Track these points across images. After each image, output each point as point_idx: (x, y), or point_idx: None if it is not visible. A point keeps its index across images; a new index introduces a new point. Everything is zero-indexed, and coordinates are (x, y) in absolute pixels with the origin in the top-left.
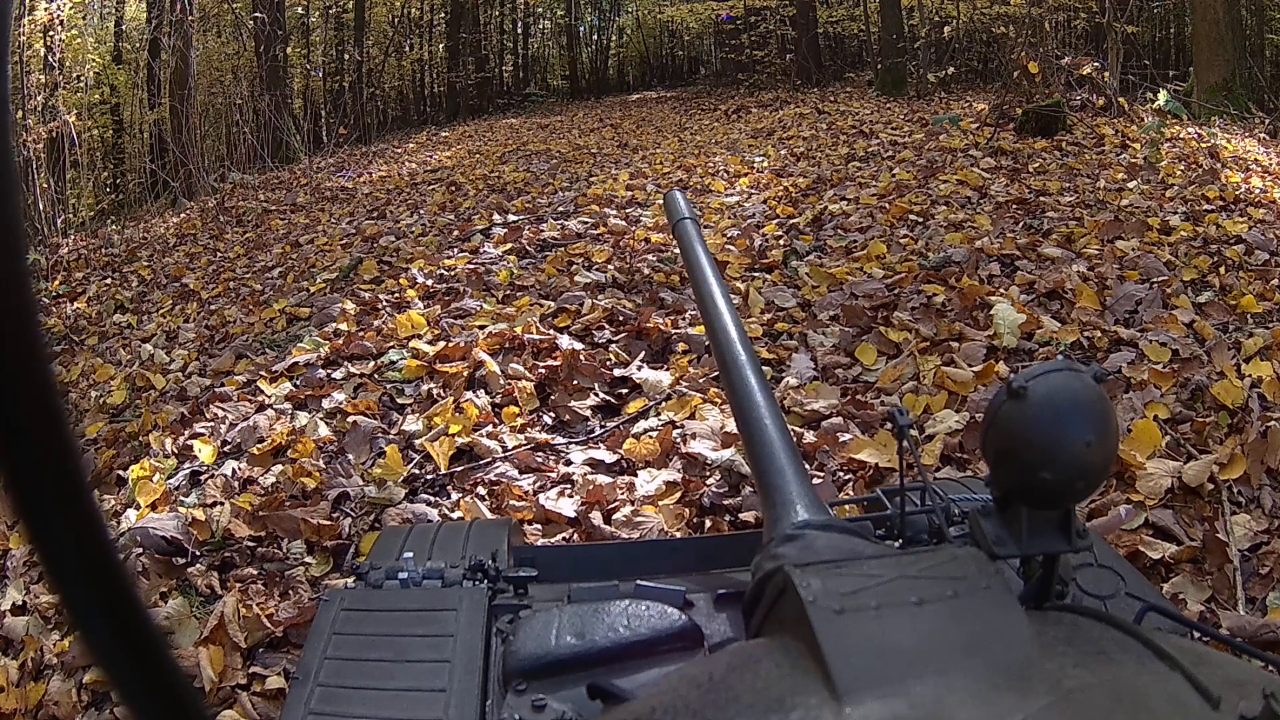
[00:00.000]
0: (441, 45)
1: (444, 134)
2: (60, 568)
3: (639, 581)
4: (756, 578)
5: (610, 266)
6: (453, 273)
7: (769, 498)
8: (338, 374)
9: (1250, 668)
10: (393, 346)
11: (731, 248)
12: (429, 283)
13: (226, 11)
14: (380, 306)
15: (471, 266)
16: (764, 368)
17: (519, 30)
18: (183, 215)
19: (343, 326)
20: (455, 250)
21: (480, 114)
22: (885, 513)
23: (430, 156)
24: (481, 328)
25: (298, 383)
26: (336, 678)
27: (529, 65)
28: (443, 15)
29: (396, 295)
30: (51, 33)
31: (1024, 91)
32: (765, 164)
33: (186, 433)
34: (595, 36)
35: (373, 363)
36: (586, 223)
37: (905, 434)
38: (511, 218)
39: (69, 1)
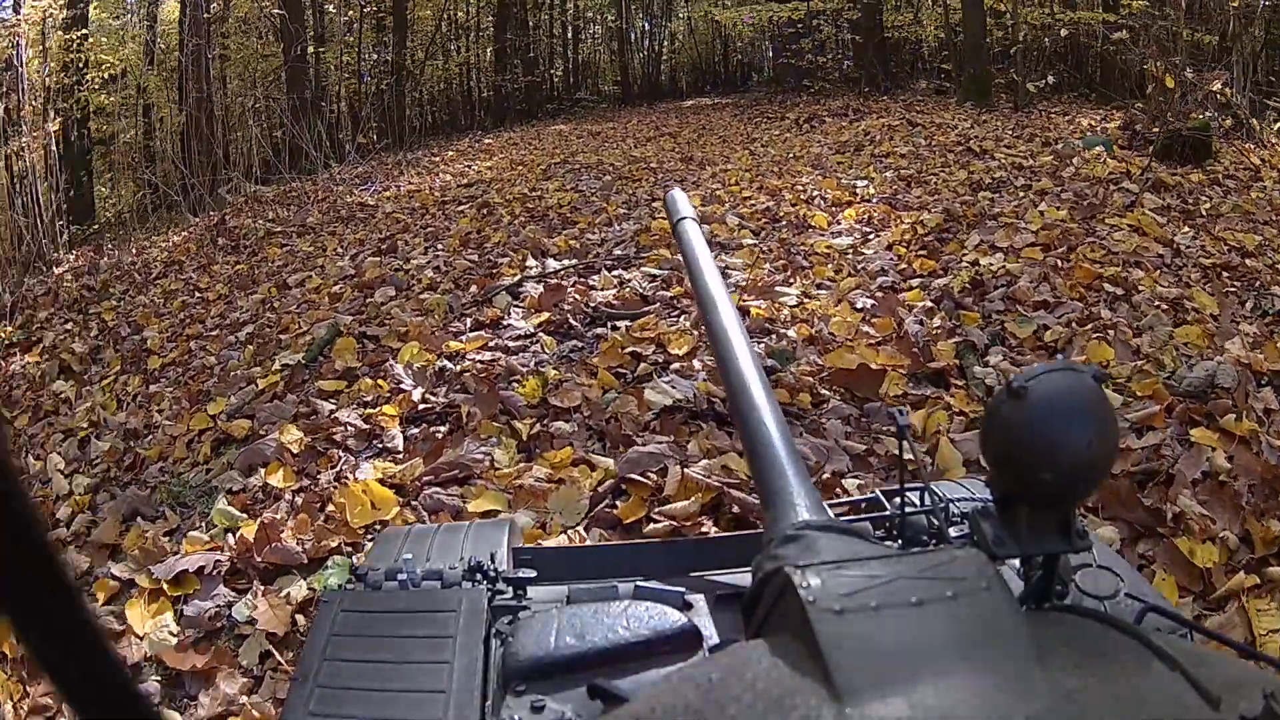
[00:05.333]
0: (489, 49)
1: (487, 140)
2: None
3: (638, 582)
4: (756, 578)
5: (698, 369)
6: (457, 369)
7: (769, 498)
8: (239, 608)
9: (1250, 668)
10: (337, 549)
11: (870, 330)
12: (418, 392)
13: (254, 10)
14: (338, 437)
15: (487, 358)
16: None
17: (569, 34)
18: (185, 233)
19: (275, 481)
20: (469, 320)
21: (529, 119)
22: (885, 513)
23: (468, 167)
24: (488, 515)
25: (183, 613)
26: (336, 679)
27: (579, 70)
28: (490, 18)
29: (367, 412)
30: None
31: (1157, 109)
32: (870, 190)
33: None
34: (647, 41)
35: (297, 585)
36: (654, 276)
37: (904, 434)
38: (551, 263)
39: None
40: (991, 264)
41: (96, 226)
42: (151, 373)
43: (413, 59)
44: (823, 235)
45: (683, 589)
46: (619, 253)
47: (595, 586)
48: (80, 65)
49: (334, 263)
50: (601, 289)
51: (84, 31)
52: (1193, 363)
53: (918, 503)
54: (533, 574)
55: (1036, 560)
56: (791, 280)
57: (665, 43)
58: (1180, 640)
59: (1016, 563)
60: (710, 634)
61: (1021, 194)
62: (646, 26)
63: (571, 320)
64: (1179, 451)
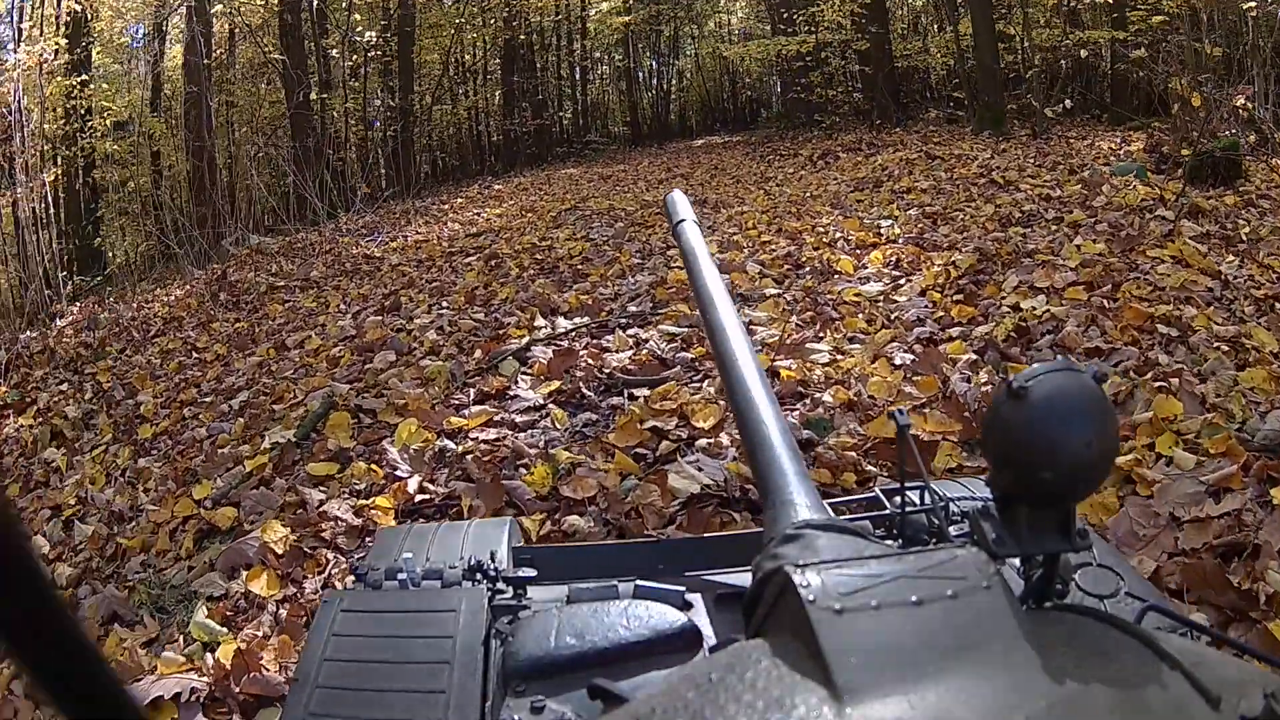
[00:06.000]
0: (497, 92)
1: (497, 186)
2: None
3: (638, 582)
4: (756, 578)
5: (726, 444)
6: (459, 450)
7: (769, 497)
8: None
9: (1250, 668)
10: None
11: (913, 390)
12: (414, 481)
13: (258, 56)
14: (326, 534)
15: (491, 437)
16: None
17: (577, 76)
18: (188, 287)
19: (257, 588)
20: (473, 391)
21: (539, 163)
22: (885, 512)
23: (478, 214)
24: None
25: None
26: (335, 679)
27: (588, 111)
28: (496, 61)
29: (360, 504)
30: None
31: (1183, 129)
32: (895, 229)
33: None
34: (655, 80)
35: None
36: (672, 335)
37: (904, 433)
38: (562, 323)
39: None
40: (1034, 307)
41: (101, 278)
42: (142, 444)
43: (420, 103)
44: (850, 281)
45: (683, 589)
46: (634, 309)
47: (595, 586)
48: (84, 112)
49: (335, 322)
50: (616, 351)
51: (84, 77)
52: (1263, 410)
53: (918, 502)
54: (533, 574)
55: (1036, 560)
56: (821, 334)
57: (673, 81)
58: (1181, 639)
59: (1017, 562)
60: (710, 634)
61: (1054, 227)
62: (654, 65)
63: (584, 389)
64: (1261, 516)
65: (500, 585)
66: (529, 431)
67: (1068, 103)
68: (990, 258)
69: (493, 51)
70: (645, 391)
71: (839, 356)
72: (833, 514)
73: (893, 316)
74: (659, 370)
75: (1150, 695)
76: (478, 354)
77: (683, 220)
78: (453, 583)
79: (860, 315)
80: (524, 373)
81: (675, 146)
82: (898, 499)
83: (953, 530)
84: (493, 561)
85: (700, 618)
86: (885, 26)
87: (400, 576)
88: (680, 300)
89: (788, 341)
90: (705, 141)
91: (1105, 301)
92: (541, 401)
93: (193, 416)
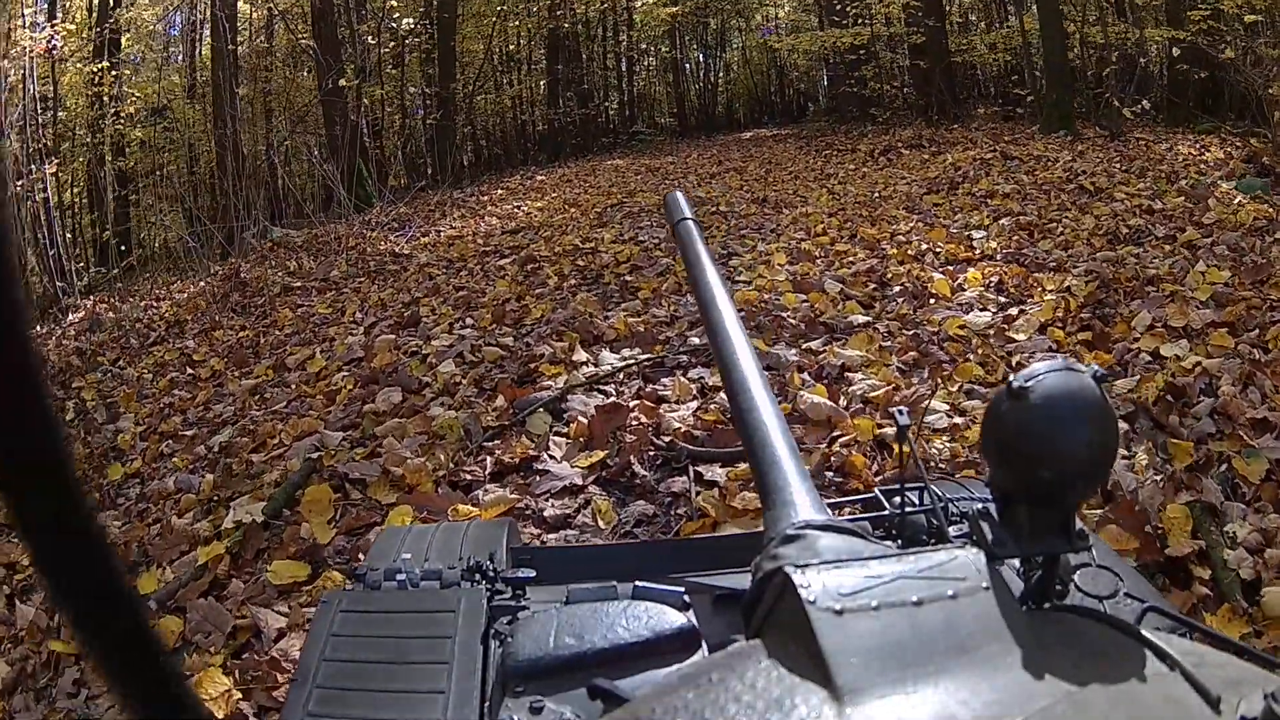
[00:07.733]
0: (542, 82)
1: (540, 177)
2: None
3: (638, 582)
4: (756, 578)
5: None
6: None
7: (769, 498)
8: None
9: (1250, 668)
10: None
11: None
12: None
13: (293, 43)
14: (280, 689)
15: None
16: None
17: (623, 67)
18: (203, 284)
19: None
20: (490, 459)
21: (584, 153)
22: (885, 513)
23: (517, 207)
24: None
25: None
26: (334, 679)
27: (635, 102)
28: (541, 50)
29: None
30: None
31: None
32: (990, 243)
33: None
34: (702, 72)
35: None
36: None
37: (904, 433)
38: (608, 357)
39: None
40: (1178, 355)
41: (119, 269)
42: (107, 490)
43: (463, 91)
44: (950, 308)
45: (682, 589)
46: (695, 340)
47: (594, 587)
48: (111, 97)
49: (344, 337)
50: (676, 402)
51: (105, 64)
52: None
53: (917, 502)
54: (532, 574)
55: (1036, 560)
56: (931, 384)
57: (720, 74)
58: (1180, 640)
59: (1016, 563)
60: (710, 634)
61: (1168, 248)
62: (701, 58)
63: (635, 464)
64: None
65: (499, 586)
66: (562, 533)
67: (1145, 103)
68: (1108, 284)
69: (537, 41)
70: (718, 471)
71: (957, 420)
72: (833, 515)
73: (1013, 361)
74: (734, 437)
75: (1150, 696)
76: (500, 400)
77: (683, 219)
78: (452, 583)
79: (972, 357)
80: (557, 432)
81: (723, 139)
82: (897, 499)
83: (952, 531)
84: (491, 562)
85: (699, 618)
86: (942, 20)
87: (399, 577)
88: (750, 327)
89: (896, 395)
90: (754, 134)
91: (1256, 352)
92: (580, 481)
93: (170, 452)
